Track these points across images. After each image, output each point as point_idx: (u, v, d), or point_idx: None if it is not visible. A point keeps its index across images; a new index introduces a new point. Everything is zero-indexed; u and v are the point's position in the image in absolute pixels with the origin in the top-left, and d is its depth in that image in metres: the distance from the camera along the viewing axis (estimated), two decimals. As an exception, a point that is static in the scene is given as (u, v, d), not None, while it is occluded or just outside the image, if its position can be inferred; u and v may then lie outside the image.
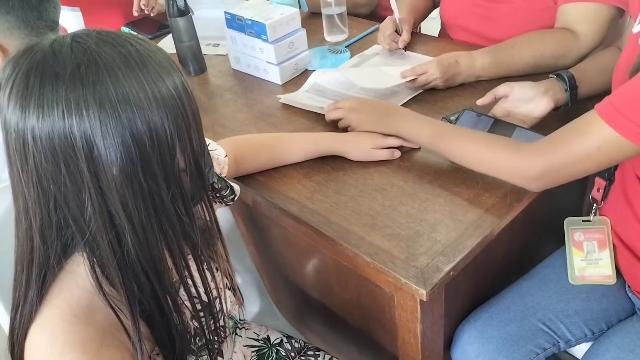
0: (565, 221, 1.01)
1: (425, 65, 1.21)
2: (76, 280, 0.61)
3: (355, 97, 1.15)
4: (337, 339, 1.25)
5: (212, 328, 0.75)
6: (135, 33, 1.72)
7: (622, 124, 0.76)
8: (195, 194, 0.65)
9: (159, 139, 0.57)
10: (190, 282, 0.68)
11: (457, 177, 0.97)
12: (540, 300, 0.99)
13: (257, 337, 1.03)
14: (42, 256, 0.61)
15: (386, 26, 1.43)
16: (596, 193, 0.99)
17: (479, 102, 1.08)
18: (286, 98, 1.26)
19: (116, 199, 0.57)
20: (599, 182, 0.98)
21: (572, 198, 1.24)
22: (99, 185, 0.57)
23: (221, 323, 0.79)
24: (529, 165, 0.86)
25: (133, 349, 0.62)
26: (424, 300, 0.81)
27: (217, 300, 0.78)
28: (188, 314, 0.71)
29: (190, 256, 0.67)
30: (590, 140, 0.80)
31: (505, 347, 0.96)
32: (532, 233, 1.11)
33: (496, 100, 1.08)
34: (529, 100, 1.03)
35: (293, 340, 1.05)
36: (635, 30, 0.87)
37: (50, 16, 0.99)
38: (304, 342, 1.06)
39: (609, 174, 0.96)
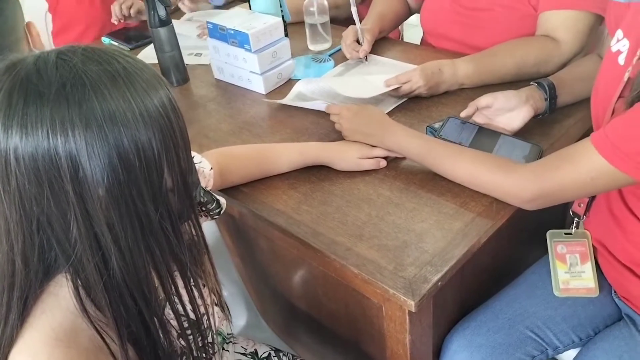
0: (548, 233, 1.01)
1: (409, 74, 1.21)
2: (59, 302, 0.60)
3: (345, 104, 1.14)
4: (325, 350, 1.23)
5: (200, 345, 0.74)
6: (116, 44, 1.70)
7: (616, 156, 0.76)
8: (183, 212, 0.64)
9: (147, 158, 0.56)
10: (177, 300, 0.66)
11: (443, 186, 0.97)
12: (527, 308, 1.00)
13: (244, 352, 1.02)
14: (23, 279, 0.59)
15: (347, 35, 1.44)
16: (577, 207, 1.00)
17: (463, 114, 1.08)
18: (273, 102, 1.26)
19: (102, 221, 0.56)
20: (585, 197, 0.99)
21: (558, 205, 1.25)
22: (85, 207, 0.55)
23: (209, 339, 0.78)
24: (522, 189, 0.87)
25: None
26: (413, 311, 0.81)
27: (205, 317, 0.77)
28: (174, 333, 0.69)
29: (177, 274, 0.65)
30: (584, 170, 0.80)
31: (494, 356, 0.95)
32: (518, 240, 1.11)
33: (479, 111, 1.08)
34: (511, 110, 1.04)
35: (281, 354, 1.04)
36: (614, 48, 0.88)
37: None
38: (292, 355, 1.05)
39: None
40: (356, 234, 0.91)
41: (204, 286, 0.73)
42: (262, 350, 1.04)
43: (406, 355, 0.92)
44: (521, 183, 0.87)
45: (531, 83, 1.08)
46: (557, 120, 1.12)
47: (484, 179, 0.92)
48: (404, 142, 1.00)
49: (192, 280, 0.68)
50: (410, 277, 0.82)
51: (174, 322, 0.68)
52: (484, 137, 1.03)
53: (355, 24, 1.41)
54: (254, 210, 0.98)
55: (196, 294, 0.70)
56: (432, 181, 0.99)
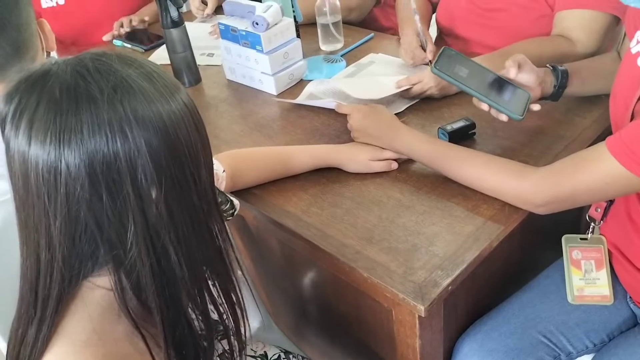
0: (563, 238, 1.00)
1: (420, 74, 1.20)
2: (87, 307, 0.60)
3: (355, 105, 1.13)
4: (335, 353, 1.23)
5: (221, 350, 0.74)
6: (129, 46, 1.71)
7: (633, 161, 0.75)
8: (216, 209, 0.66)
9: (190, 151, 0.58)
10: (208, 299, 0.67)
11: (455, 189, 0.96)
12: (540, 312, 0.98)
13: (254, 355, 1.02)
14: (60, 289, 0.59)
15: (410, 43, 1.34)
16: (595, 212, 0.98)
17: (511, 75, 0.99)
18: (283, 101, 1.27)
19: (162, 219, 0.57)
20: (598, 202, 0.97)
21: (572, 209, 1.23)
22: (143, 208, 0.56)
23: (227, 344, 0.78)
24: (535, 193, 0.86)
25: None
26: (422, 315, 0.80)
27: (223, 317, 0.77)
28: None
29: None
30: (599, 175, 0.79)
31: (506, 361, 0.94)
32: (531, 244, 1.10)
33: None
34: (525, 83, 1.00)
35: (291, 356, 1.04)
36: (633, 50, 0.86)
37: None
38: (302, 357, 1.05)
39: None
40: (366, 236, 0.90)
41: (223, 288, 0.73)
42: (272, 353, 1.03)
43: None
44: (534, 188, 0.85)
45: (547, 66, 1.05)
46: (571, 122, 1.10)
47: (495, 184, 0.90)
48: (412, 146, 0.99)
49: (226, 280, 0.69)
50: (420, 282, 0.81)
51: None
52: (479, 74, 1.00)
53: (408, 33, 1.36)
54: (264, 212, 0.98)
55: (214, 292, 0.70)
56: (443, 184, 0.98)
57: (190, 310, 0.64)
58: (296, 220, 0.95)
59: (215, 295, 0.68)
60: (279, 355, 1.03)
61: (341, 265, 0.87)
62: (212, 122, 1.27)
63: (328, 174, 1.04)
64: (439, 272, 0.82)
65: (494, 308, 1.02)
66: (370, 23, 1.82)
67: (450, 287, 0.81)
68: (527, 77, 1.00)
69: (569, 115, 1.11)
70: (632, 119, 0.83)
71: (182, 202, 0.59)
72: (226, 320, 0.71)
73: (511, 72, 0.98)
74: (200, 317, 0.65)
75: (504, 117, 0.97)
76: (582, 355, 0.98)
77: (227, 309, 0.71)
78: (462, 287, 0.86)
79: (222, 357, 0.83)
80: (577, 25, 1.21)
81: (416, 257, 0.85)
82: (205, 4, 1.82)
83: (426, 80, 1.19)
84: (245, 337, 0.77)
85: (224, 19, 1.35)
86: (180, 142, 0.57)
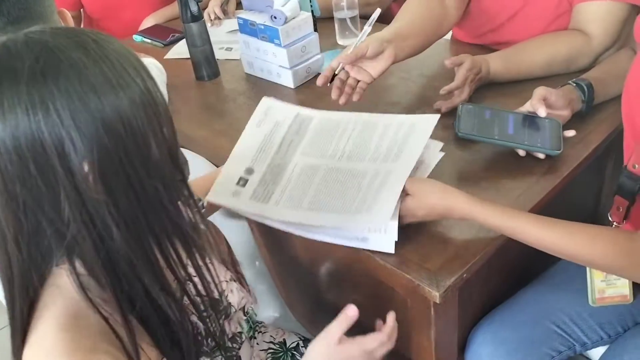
0: None
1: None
2: (60, 292, 0.60)
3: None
4: (351, 341, 1.25)
5: (220, 329, 0.74)
6: (149, 41, 1.74)
7: None
8: (175, 188, 0.63)
9: (132, 127, 0.56)
10: (188, 279, 0.66)
11: (470, 179, 0.97)
12: (554, 303, 0.99)
13: (273, 341, 1.04)
14: (21, 267, 0.59)
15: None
16: (616, 212, 0.95)
17: (542, 114, 0.97)
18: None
19: (96, 194, 0.55)
20: (620, 201, 0.93)
21: (588, 200, 1.24)
22: (74, 182, 0.54)
23: (232, 328, 0.78)
24: None
25: (127, 353, 0.60)
26: (437, 303, 0.81)
27: (223, 296, 0.76)
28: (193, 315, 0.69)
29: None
30: None
31: (519, 350, 0.95)
32: (547, 235, 1.10)
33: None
34: (556, 109, 1.02)
35: (309, 344, 1.06)
36: None
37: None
38: (319, 345, 1.06)
39: (632, 193, 0.90)
40: (382, 225, 0.91)
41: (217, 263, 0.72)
42: (291, 340, 1.05)
43: (431, 347, 0.93)
44: None
45: (569, 82, 1.06)
46: (576, 124, 1.09)
47: (604, 266, 0.83)
48: (478, 220, 0.83)
49: (198, 256, 0.67)
50: (435, 269, 0.83)
51: (189, 303, 0.67)
52: (503, 120, 1.01)
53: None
54: (282, 202, 0.99)
55: (207, 272, 0.69)
56: (459, 173, 0.99)
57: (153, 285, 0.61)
58: (313, 210, 0.97)
59: (185, 273, 0.65)
60: (297, 343, 1.05)
61: (357, 253, 0.89)
62: (231, 114, 1.30)
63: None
64: (455, 261, 0.84)
65: (508, 299, 1.03)
66: (388, 18, 1.82)
67: (465, 275, 0.82)
68: (555, 98, 1.01)
69: (573, 117, 1.10)
70: None
71: (123, 178, 0.56)
72: (202, 303, 0.69)
73: (541, 113, 0.98)
74: (162, 294, 0.62)
75: (541, 156, 0.98)
76: (597, 346, 0.99)
77: (202, 288, 0.68)
78: (477, 277, 0.87)
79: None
80: (594, 18, 1.19)
81: (432, 246, 0.87)
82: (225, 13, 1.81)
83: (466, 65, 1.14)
84: (230, 322, 0.75)
85: (242, 13, 1.37)
86: (116, 115, 0.54)
